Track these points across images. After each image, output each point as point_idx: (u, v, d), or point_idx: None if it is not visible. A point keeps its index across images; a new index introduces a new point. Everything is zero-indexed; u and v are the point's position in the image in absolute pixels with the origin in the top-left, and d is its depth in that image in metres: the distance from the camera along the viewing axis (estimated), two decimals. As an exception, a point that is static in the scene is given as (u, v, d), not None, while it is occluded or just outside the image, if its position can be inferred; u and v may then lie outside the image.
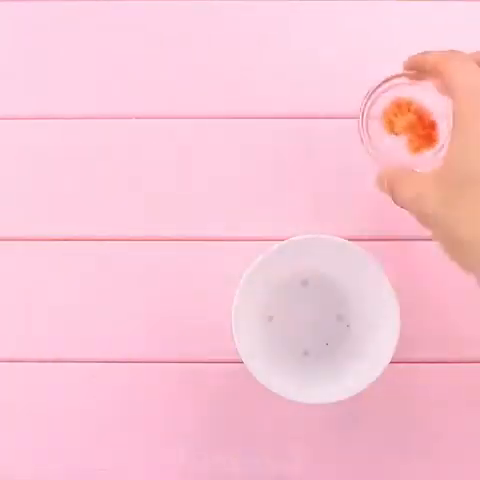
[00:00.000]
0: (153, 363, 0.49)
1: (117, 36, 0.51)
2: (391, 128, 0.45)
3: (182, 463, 0.49)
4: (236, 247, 0.49)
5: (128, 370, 0.49)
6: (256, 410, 0.48)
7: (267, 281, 0.46)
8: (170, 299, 0.49)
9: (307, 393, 0.44)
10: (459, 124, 0.34)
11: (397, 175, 0.38)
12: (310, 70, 0.50)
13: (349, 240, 0.44)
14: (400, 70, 0.41)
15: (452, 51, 0.37)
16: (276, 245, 0.44)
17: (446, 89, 0.36)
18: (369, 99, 0.44)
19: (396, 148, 0.44)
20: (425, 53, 0.39)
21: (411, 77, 0.42)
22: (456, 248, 0.34)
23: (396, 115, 0.45)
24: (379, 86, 0.43)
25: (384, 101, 0.44)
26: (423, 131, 0.44)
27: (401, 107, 0.45)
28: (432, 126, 0.44)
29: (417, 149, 0.44)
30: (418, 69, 0.40)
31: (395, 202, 0.37)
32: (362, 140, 0.44)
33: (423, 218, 0.35)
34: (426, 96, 0.39)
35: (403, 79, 0.43)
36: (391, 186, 0.38)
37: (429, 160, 0.43)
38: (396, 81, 0.43)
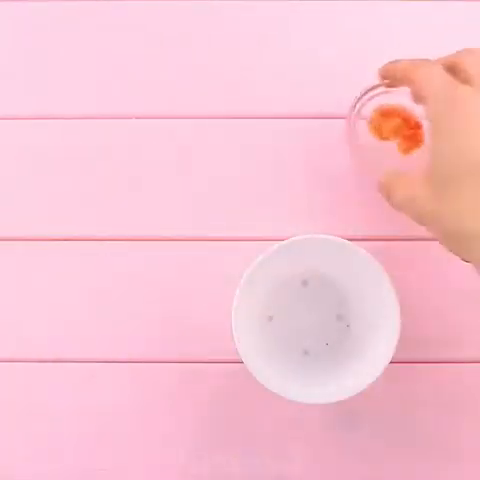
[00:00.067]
0: (153, 363, 0.49)
1: (117, 36, 0.51)
2: (379, 134, 0.46)
3: (182, 463, 0.49)
4: (236, 247, 0.49)
5: (128, 370, 0.49)
6: (256, 410, 0.48)
7: (267, 281, 0.46)
8: (170, 299, 0.49)
9: (307, 393, 0.44)
10: (433, 129, 0.36)
11: (390, 180, 0.40)
12: (310, 70, 0.50)
13: (349, 240, 0.44)
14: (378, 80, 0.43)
15: (421, 59, 0.39)
16: (276, 245, 0.44)
17: (417, 96, 0.38)
18: (353, 113, 0.45)
19: (386, 154, 0.46)
20: (396, 62, 0.40)
21: (388, 85, 0.44)
22: (452, 243, 0.36)
23: (381, 121, 0.46)
24: (360, 98, 0.45)
25: (368, 110, 0.46)
26: (409, 132, 0.46)
27: (385, 113, 0.46)
28: (418, 126, 0.46)
29: (406, 150, 0.46)
30: (390, 78, 0.42)
31: (392, 206, 0.39)
32: (352, 153, 0.45)
33: (418, 218, 0.37)
34: (407, 99, 0.41)
35: (381, 88, 0.45)
36: (387, 191, 0.40)
37: (420, 159, 0.45)
38: (375, 91, 0.45)
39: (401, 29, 0.51)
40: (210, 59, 0.51)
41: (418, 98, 0.38)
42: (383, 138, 0.46)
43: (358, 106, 0.45)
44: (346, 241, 0.44)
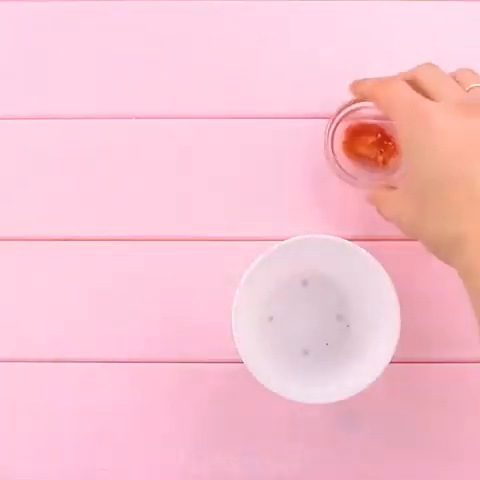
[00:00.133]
0: (153, 363, 0.49)
1: (117, 36, 0.51)
2: (354, 153, 0.47)
3: (182, 463, 0.49)
4: (236, 247, 0.49)
5: (128, 370, 0.49)
6: (256, 410, 0.48)
7: (267, 281, 0.46)
8: (170, 299, 0.49)
9: (307, 393, 0.44)
10: (403, 145, 0.38)
11: (377, 197, 0.42)
12: (310, 70, 0.50)
13: (349, 240, 0.44)
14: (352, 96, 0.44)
15: (387, 77, 0.41)
16: (276, 245, 0.43)
17: (385, 112, 0.39)
18: (329, 135, 0.47)
19: (363, 170, 0.48)
20: (364, 80, 0.42)
21: (359, 101, 0.45)
22: (439, 254, 0.37)
23: (354, 140, 0.47)
24: (334, 119, 0.47)
25: (341, 130, 0.47)
26: (383, 145, 0.47)
27: (356, 132, 0.47)
28: (391, 138, 0.46)
29: (384, 162, 0.47)
30: (358, 95, 0.43)
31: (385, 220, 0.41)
32: (338, 174, 0.46)
33: (408, 233, 0.39)
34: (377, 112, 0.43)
35: (353, 105, 0.46)
36: (376, 206, 0.42)
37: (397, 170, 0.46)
38: (347, 109, 0.46)
39: (401, 29, 0.51)
40: (210, 59, 0.51)
41: (386, 113, 0.39)
42: (358, 155, 0.47)
43: (334, 125, 0.47)
44: (346, 241, 0.44)
